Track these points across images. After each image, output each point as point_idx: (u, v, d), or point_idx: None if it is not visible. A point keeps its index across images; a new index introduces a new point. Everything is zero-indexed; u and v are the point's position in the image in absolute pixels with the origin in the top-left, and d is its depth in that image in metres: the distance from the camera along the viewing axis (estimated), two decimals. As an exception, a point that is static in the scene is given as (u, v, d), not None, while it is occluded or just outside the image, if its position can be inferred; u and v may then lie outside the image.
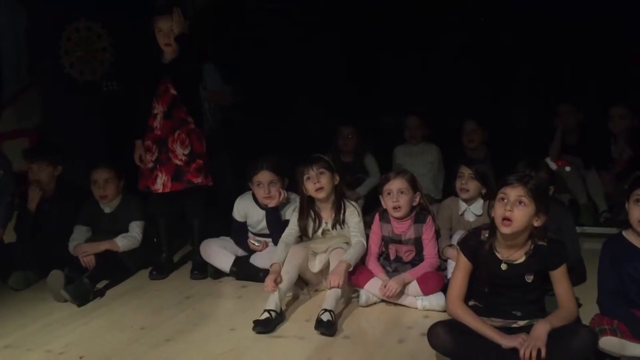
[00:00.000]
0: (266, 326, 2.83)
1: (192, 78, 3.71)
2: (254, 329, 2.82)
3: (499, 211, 2.36)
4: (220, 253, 3.62)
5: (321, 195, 3.32)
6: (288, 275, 3.07)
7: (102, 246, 3.64)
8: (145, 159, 3.68)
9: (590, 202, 4.42)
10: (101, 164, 3.87)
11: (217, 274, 3.65)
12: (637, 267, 2.41)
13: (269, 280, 3.01)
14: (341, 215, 3.38)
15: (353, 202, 3.51)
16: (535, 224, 2.37)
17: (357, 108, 5.47)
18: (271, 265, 3.17)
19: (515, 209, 2.32)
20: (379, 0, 5.67)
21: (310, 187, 3.31)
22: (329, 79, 5.69)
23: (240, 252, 3.68)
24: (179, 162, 3.61)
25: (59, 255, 3.68)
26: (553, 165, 3.91)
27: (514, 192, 2.35)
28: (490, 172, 3.51)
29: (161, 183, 3.62)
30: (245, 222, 3.70)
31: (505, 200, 2.35)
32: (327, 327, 2.78)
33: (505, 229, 2.34)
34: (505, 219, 2.33)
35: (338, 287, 2.97)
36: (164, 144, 3.62)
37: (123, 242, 3.71)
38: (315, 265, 3.26)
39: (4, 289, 3.59)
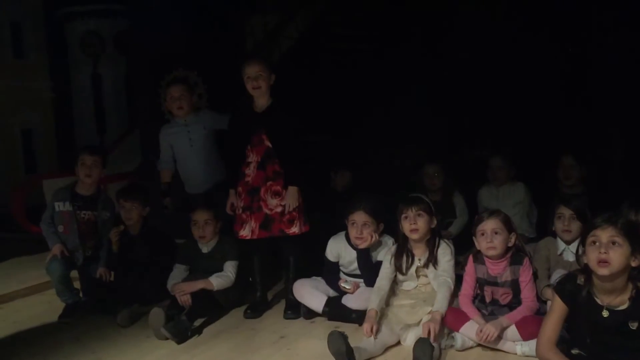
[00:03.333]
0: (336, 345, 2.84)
1: (285, 129, 3.75)
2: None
3: (593, 255, 2.30)
4: (312, 293, 3.66)
5: (415, 236, 3.33)
6: (371, 346, 3.03)
7: (198, 285, 3.78)
8: (237, 205, 3.83)
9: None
10: (201, 205, 4.06)
11: (310, 314, 3.69)
12: None
13: (367, 326, 3.07)
14: (435, 253, 3.37)
15: (447, 241, 3.48)
16: (633, 264, 2.30)
17: (443, 144, 5.45)
18: (368, 311, 3.20)
19: (611, 251, 2.27)
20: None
21: (406, 227, 3.33)
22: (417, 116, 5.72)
23: (332, 293, 3.71)
24: (269, 212, 3.74)
25: (157, 292, 3.90)
26: (659, 205, 3.70)
27: (605, 234, 2.29)
28: (588, 210, 3.39)
29: (249, 230, 3.77)
30: (338, 262, 3.73)
31: (598, 244, 2.29)
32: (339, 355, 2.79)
33: (603, 271, 2.27)
34: (601, 261, 2.26)
35: (431, 336, 2.95)
36: (256, 192, 3.76)
37: (217, 281, 3.83)
38: (407, 339, 3.15)
39: (109, 325, 3.76)
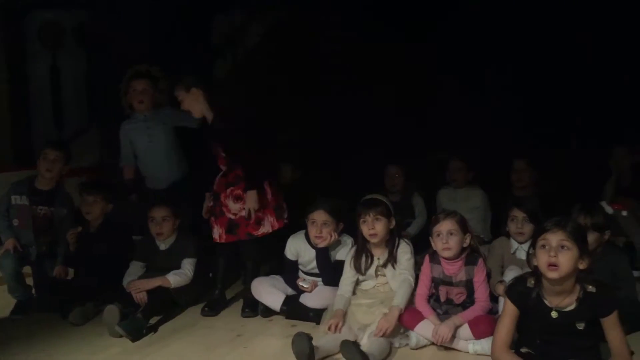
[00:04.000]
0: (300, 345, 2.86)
1: (228, 139, 3.78)
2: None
3: (543, 258, 2.37)
4: (271, 292, 3.66)
5: (374, 240, 3.39)
6: (329, 345, 3.04)
7: (154, 282, 3.74)
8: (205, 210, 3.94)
9: (647, 245, 4.31)
10: (159, 202, 4.01)
11: (268, 312, 3.69)
12: None
13: (333, 322, 3.15)
14: (394, 252, 3.42)
15: (406, 240, 3.54)
16: (581, 266, 2.37)
17: (404, 147, 5.52)
18: (335, 310, 3.27)
19: (560, 255, 2.34)
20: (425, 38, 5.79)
21: (365, 231, 3.38)
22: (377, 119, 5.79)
23: (290, 291, 3.72)
24: (232, 217, 3.77)
25: (113, 290, 3.81)
26: (609, 209, 3.86)
27: (555, 238, 2.36)
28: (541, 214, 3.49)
29: (218, 234, 3.81)
30: (297, 261, 3.75)
31: (548, 247, 2.36)
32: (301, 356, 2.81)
33: (552, 274, 2.34)
34: (550, 264, 2.33)
35: (385, 335, 3.02)
36: (217, 198, 3.83)
37: (175, 279, 3.79)
38: (364, 339, 3.14)
39: (61, 323, 3.68)
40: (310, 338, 2.88)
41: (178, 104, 4.17)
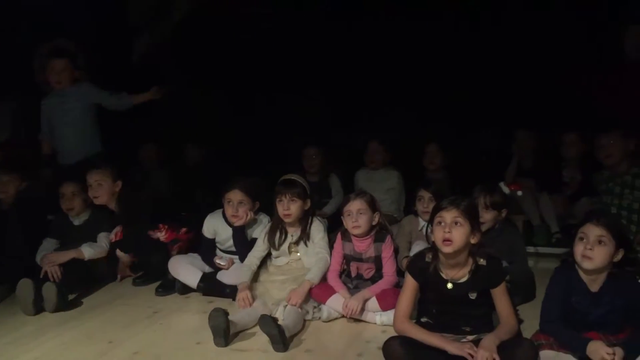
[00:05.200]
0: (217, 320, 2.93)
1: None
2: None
3: (438, 234, 2.55)
4: (188, 269, 3.73)
5: (288, 220, 3.51)
6: (244, 319, 3.14)
7: (68, 255, 3.71)
8: None
9: (543, 223, 4.66)
10: (68, 178, 3.98)
11: (185, 289, 3.75)
12: (579, 300, 2.60)
13: (242, 295, 3.28)
14: (307, 230, 3.55)
15: (319, 218, 3.68)
16: (472, 241, 2.57)
17: (324, 129, 5.66)
18: (239, 285, 3.38)
19: (453, 230, 2.52)
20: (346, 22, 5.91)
21: (280, 211, 3.50)
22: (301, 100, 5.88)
23: (208, 269, 3.80)
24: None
25: (28, 268, 3.74)
26: (506, 189, 4.14)
27: (449, 215, 2.55)
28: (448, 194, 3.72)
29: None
30: (214, 239, 3.82)
31: (443, 224, 2.54)
32: (276, 341, 2.90)
33: (446, 249, 2.53)
34: (445, 240, 2.52)
35: (296, 305, 3.17)
36: None
37: (89, 251, 3.77)
38: (278, 314, 3.24)
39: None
40: (226, 313, 2.97)
41: (96, 79, 4.18)
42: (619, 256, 2.54)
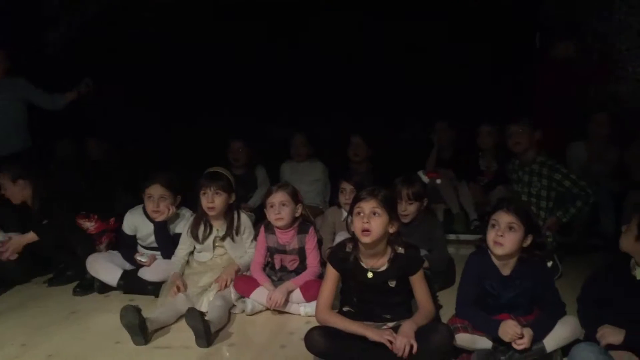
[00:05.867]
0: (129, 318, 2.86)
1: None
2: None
3: (357, 225, 2.59)
4: (107, 267, 3.62)
5: (212, 213, 3.47)
6: (164, 315, 3.10)
7: None
8: None
9: (462, 211, 4.83)
10: None
11: (105, 288, 3.64)
12: (492, 284, 2.70)
13: (174, 285, 3.25)
14: (234, 226, 3.52)
15: (248, 213, 3.66)
16: (391, 230, 2.63)
17: (249, 123, 5.63)
18: (171, 275, 3.38)
19: (372, 220, 2.56)
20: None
21: (204, 204, 3.45)
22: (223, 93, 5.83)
23: (129, 266, 3.70)
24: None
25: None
26: (425, 179, 4.28)
27: (368, 205, 2.59)
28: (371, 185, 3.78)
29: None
30: (135, 236, 3.73)
31: (362, 214, 2.58)
32: (200, 336, 2.86)
33: (365, 239, 2.57)
34: (364, 230, 2.56)
35: (226, 286, 3.24)
36: None
37: None
38: (202, 306, 3.25)
39: None
40: (138, 310, 2.89)
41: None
42: (528, 241, 2.66)
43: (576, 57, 4.83)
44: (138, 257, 3.64)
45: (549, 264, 3.69)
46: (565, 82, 4.73)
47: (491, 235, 2.66)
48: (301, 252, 3.40)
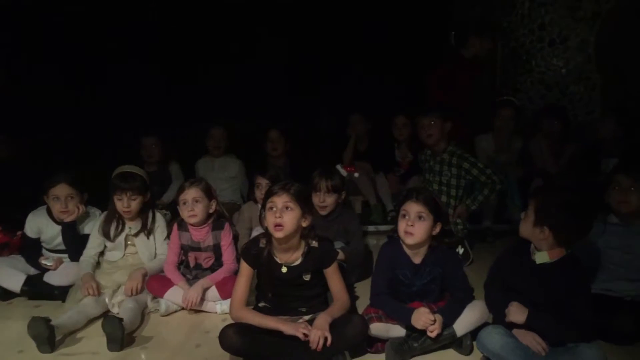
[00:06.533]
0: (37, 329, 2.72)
1: None
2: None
3: (270, 219, 2.57)
4: (9, 272, 3.41)
5: (127, 216, 3.37)
6: (72, 320, 2.97)
7: None
8: None
9: (380, 202, 4.90)
10: None
11: (7, 295, 3.43)
12: (405, 273, 2.77)
13: (87, 287, 3.11)
14: (148, 225, 3.42)
15: (162, 212, 3.57)
16: (304, 224, 2.63)
17: (162, 118, 5.49)
18: (83, 276, 3.22)
19: (284, 215, 2.55)
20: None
21: (119, 207, 3.33)
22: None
23: (33, 271, 3.50)
24: None
25: None
26: (343, 172, 4.31)
27: (280, 200, 2.57)
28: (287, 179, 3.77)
29: None
30: (39, 239, 3.54)
31: (274, 209, 2.57)
32: (113, 341, 2.78)
33: (278, 234, 2.56)
34: (276, 225, 2.55)
35: (134, 294, 3.10)
36: None
37: None
38: (114, 308, 3.16)
39: None
40: (47, 320, 2.75)
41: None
42: (437, 229, 2.73)
43: (486, 54, 4.98)
44: (43, 261, 3.45)
45: (460, 250, 3.83)
46: (478, 79, 4.88)
47: (402, 226, 2.71)
48: (216, 249, 3.34)
